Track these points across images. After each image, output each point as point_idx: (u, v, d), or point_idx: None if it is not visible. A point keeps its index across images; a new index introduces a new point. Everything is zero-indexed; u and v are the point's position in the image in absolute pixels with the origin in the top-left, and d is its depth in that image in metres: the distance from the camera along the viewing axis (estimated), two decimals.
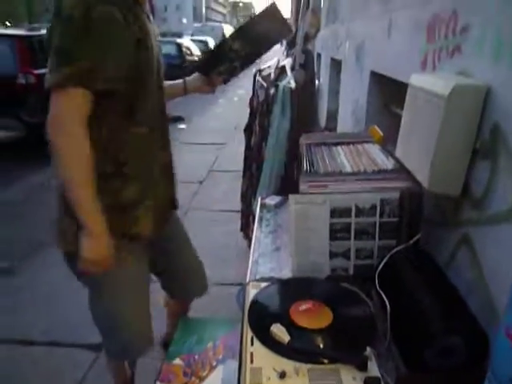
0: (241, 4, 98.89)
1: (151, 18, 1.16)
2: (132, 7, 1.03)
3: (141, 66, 1.04)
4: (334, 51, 3.40)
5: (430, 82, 0.91)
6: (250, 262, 1.19)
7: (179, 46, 11.60)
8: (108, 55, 0.95)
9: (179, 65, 9.94)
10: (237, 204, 2.83)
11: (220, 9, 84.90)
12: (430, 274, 0.86)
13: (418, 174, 0.91)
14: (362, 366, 0.68)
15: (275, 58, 2.37)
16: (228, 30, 22.70)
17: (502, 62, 0.74)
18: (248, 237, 2.37)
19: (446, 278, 0.85)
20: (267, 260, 1.22)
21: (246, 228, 2.41)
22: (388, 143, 1.34)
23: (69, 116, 0.94)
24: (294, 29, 3.13)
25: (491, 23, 0.78)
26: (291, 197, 0.95)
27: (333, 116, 3.39)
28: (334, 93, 3.38)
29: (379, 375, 0.68)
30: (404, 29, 1.39)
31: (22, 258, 2.71)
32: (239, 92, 9.94)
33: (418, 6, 1.30)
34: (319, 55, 4.79)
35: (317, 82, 4.27)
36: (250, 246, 1.25)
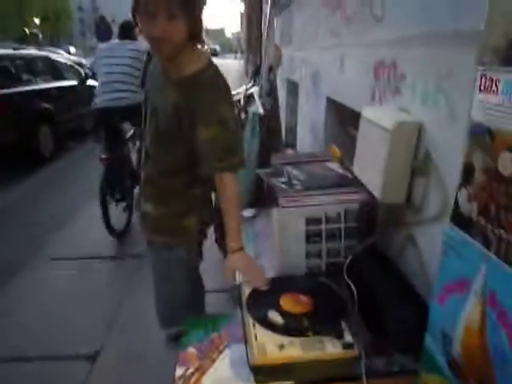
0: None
1: None
2: None
3: None
4: (290, 73, 3.69)
5: (378, 116, 1.16)
6: None
7: None
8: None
9: None
10: None
11: None
12: (383, 266, 1.11)
13: (372, 188, 1.16)
14: (339, 335, 0.91)
15: (242, 86, 2.59)
16: None
17: (428, 105, 1.01)
18: (223, 248, 2.54)
19: (396, 268, 1.11)
20: None
21: (221, 240, 2.58)
22: (345, 159, 1.59)
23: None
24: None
25: (420, 77, 1.05)
26: (274, 211, 1.17)
27: (291, 131, 3.67)
28: (292, 110, 3.66)
29: (352, 341, 0.90)
30: (355, 64, 1.66)
31: (6, 279, 2.72)
32: None
33: (364, 47, 1.57)
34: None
35: None
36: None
